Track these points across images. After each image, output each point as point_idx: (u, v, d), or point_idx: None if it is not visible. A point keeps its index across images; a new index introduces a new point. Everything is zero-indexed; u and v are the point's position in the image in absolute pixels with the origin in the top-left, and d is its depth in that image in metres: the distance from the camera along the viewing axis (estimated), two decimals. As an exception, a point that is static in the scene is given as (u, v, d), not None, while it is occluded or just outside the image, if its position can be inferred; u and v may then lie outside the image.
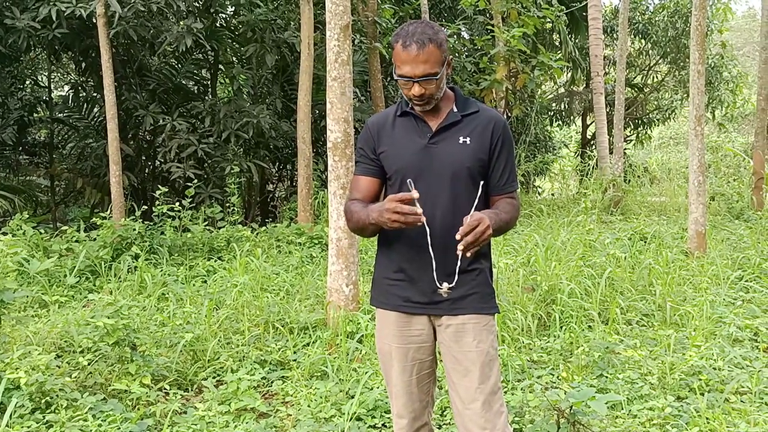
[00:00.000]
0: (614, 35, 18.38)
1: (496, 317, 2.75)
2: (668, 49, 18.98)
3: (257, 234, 8.76)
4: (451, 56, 2.54)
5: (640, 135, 20.76)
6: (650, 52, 20.10)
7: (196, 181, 9.78)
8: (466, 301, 2.60)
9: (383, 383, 4.37)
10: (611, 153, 14.64)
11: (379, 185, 2.71)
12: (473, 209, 2.52)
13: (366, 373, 4.43)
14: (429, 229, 2.51)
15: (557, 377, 4.67)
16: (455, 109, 2.62)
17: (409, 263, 2.60)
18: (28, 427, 3.61)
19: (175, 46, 10.07)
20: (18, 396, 3.72)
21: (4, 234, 7.06)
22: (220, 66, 12.55)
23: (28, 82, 13.97)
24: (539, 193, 17.32)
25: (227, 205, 9.78)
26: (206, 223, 8.88)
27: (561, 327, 5.52)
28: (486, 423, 2.57)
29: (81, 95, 12.28)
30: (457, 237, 2.35)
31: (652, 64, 20.43)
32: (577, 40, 18.03)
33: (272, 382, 4.65)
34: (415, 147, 2.61)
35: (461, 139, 2.59)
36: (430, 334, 2.70)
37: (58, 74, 15.78)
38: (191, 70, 12.41)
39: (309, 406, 4.22)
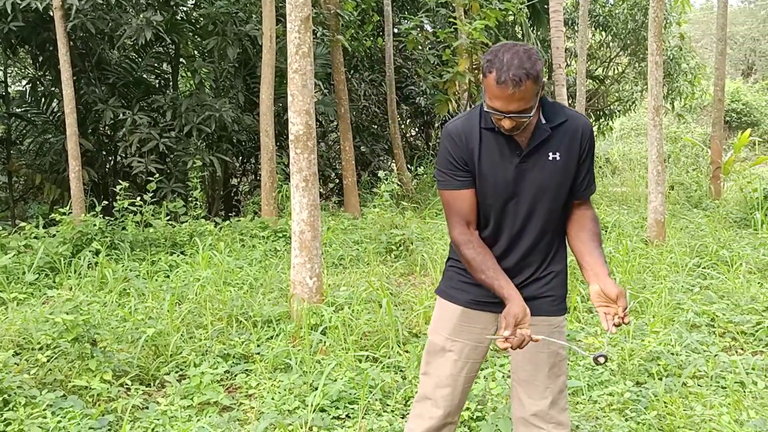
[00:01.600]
0: (575, 28, 18.55)
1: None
2: (628, 41, 19.20)
3: (220, 228, 8.70)
4: (543, 80, 2.36)
5: (601, 126, 20.99)
6: (611, 44, 20.31)
7: (157, 175, 9.67)
8: (540, 302, 2.59)
9: (347, 374, 4.39)
10: (573, 144, 14.78)
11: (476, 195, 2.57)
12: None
13: (329, 365, 4.43)
14: (512, 248, 2.54)
15: (519, 365, 4.72)
16: (543, 120, 2.47)
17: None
18: (-15, 425, 3.56)
19: (135, 39, 9.91)
20: (-26, 394, 3.66)
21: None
22: (182, 59, 12.39)
23: (-17, 77, 13.67)
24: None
25: (190, 199, 9.66)
26: (168, 217, 8.79)
27: (523, 316, 5.56)
28: (551, 419, 2.59)
29: (39, 90, 12.03)
30: (614, 330, 2.37)
31: (612, 56, 20.65)
32: (539, 33, 18.17)
33: (235, 376, 4.63)
34: (505, 169, 2.48)
35: (551, 156, 2.47)
36: (490, 333, 2.65)
37: (15, 68, 15.44)
38: (152, 63, 12.23)
39: (273, 398, 4.21)
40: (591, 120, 20.59)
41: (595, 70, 20.83)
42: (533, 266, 2.58)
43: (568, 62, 19.91)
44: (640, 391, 4.20)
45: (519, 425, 2.67)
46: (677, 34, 18.95)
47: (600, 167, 15.98)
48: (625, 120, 26.50)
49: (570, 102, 16.83)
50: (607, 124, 21.11)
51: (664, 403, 3.94)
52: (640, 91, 20.12)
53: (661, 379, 4.29)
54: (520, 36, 17.50)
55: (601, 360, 2.34)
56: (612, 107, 20.87)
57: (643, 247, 7.91)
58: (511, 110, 2.29)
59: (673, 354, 4.73)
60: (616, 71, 21.18)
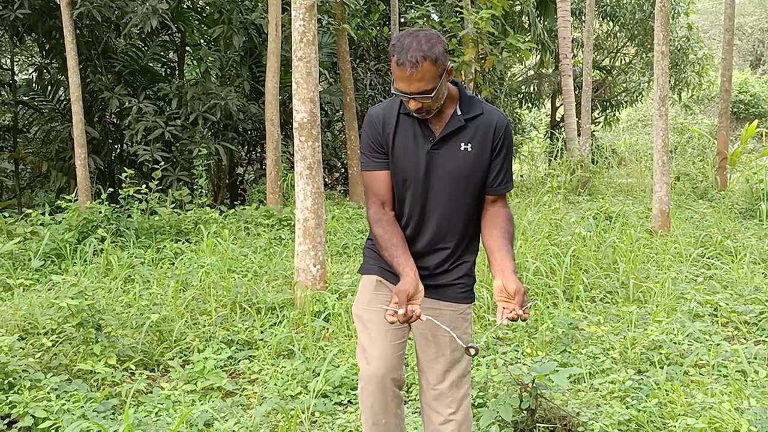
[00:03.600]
0: (582, 17, 18.47)
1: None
2: (636, 32, 19.12)
3: (225, 216, 8.72)
4: (451, 65, 2.48)
5: (608, 117, 20.93)
6: (618, 34, 20.23)
7: (163, 163, 9.69)
8: (449, 290, 2.68)
9: (349, 361, 4.41)
10: (579, 135, 14.76)
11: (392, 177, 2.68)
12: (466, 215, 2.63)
13: (332, 351, 4.45)
14: (422, 230, 2.63)
15: (522, 353, 4.74)
16: (459, 112, 2.58)
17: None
18: (-9, 407, 3.59)
19: (141, 27, 9.92)
20: (-20, 377, 3.69)
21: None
22: (187, 48, 12.40)
23: (-10, 65, 13.71)
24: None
25: (195, 187, 9.68)
26: (174, 205, 8.81)
27: (526, 304, 5.57)
28: (452, 403, 2.68)
29: (45, 77, 12.07)
30: (506, 322, 2.42)
31: (619, 47, 20.56)
32: (545, 23, 18.10)
33: (239, 362, 4.67)
34: (417, 152, 2.59)
35: (462, 146, 2.58)
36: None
37: (22, 56, 15.48)
38: (157, 51, 12.25)
39: (275, 384, 4.25)
40: (598, 110, 20.53)
41: (602, 60, 20.75)
42: (444, 253, 2.66)
43: (575, 53, 19.84)
44: (642, 379, 4.20)
45: (424, 408, 2.77)
46: (685, 25, 18.85)
47: (606, 158, 15.92)
48: (632, 111, 26.42)
49: (577, 93, 16.75)
50: (614, 115, 21.05)
51: (666, 391, 3.95)
52: (647, 81, 20.04)
53: (662, 368, 4.30)
54: (526, 26, 17.44)
55: (472, 351, 2.47)
56: (619, 98, 20.79)
57: (648, 237, 7.90)
58: (413, 91, 2.41)
59: (675, 343, 4.73)
60: (623, 62, 21.09)
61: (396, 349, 2.71)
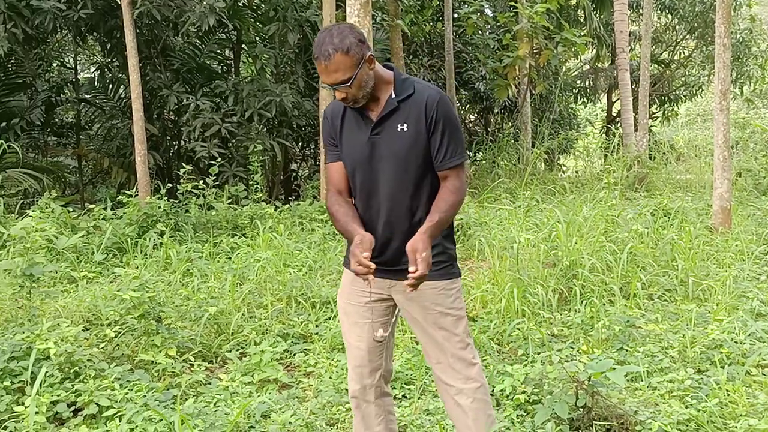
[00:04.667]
0: (640, 10, 18.11)
1: (460, 281, 2.91)
2: (695, 24, 18.67)
3: (280, 212, 8.83)
4: (370, 53, 2.59)
5: (666, 112, 20.50)
6: (677, 27, 19.78)
7: (219, 159, 9.86)
8: None
9: (403, 356, 4.44)
10: (636, 130, 14.49)
11: None
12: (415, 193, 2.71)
13: (398, 353, 4.47)
14: (377, 215, 2.74)
15: (577, 350, 4.69)
16: (393, 95, 2.69)
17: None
18: (58, 395, 3.72)
19: (198, 25, 10.10)
20: (48, 366, 3.82)
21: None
22: (243, 45, 12.58)
23: (55, 64, 14.13)
24: (563, 171, 17.17)
25: (251, 183, 9.83)
26: (230, 201, 8.97)
27: (582, 301, 5.52)
28: (458, 373, 2.81)
29: (107, 76, 12.40)
30: (410, 281, 2.50)
31: (678, 40, 20.11)
32: (602, 16, 17.80)
33: (294, 355, 4.73)
34: (360, 140, 2.72)
35: (399, 127, 2.69)
36: (381, 296, 2.83)
37: (84, 55, 15.92)
38: (214, 49, 12.46)
39: (330, 377, 4.29)
40: (655, 105, 20.12)
41: (660, 54, 20.32)
42: (405, 234, 2.70)
43: (632, 46, 19.48)
44: (702, 378, 4.12)
45: (438, 385, 2.92)
46: (747, 17, 18.32)
47: (663, 154, 15.59)
48: (691, 105, 25.80)
49: (634, 87, 16.43)
50: (672, 109, 20.60)
51: (726, 391, 3.87)
52: (707, 75, 19.55)
53: (723, 367, 4.21)
54: (582, 19, 17.18)
55: (378, 336, 2.68)
56: (677, 92, 20.34)
57: (708, 234, 7.73)
58: (332, 82, 2.57)
59: (736, 342, 4.63)
60: (681, 55, 20.62)
61: (370, 341, 2.86)
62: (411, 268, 2.50)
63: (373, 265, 2.51)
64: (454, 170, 2.71)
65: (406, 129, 2.67)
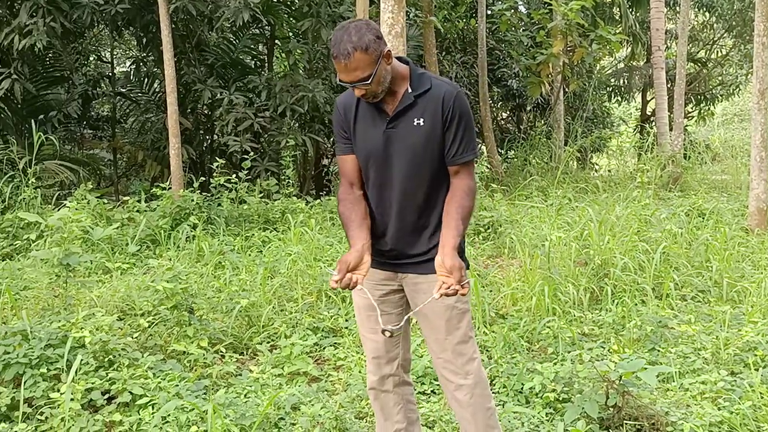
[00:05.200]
0: (676, 8, 17.87)
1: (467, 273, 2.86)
2: (734, 23, 18.39)
3: (311, 206, 8.87)
4: (387, 48, 2.60)
5: (702, 111, 20.20)
6: (714, 25, 19.49)
7: (252, 154, 9.93)
8: (425, 265, 2.79)
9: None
10: (671, 129, 14.31)
11: None
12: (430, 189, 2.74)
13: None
14: (389, 207, 2.77)
15: (608, 350, 4.65)
16: (410, 90, 2.71)
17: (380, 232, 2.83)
18: (93, 383, 3.78)
19: (233, 20, 10.18)
20: (83, 354, 3.89)
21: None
22: (276, 41, 12.64)
23: (92, 58, 14.35)
24: (596, 170, 17.01)
25: (282, 178, 9.89)
26: (262, 195, 9.03)
27: (613, 301, 5.48)
28: (458, 369, 2.83)
29: (142, 70, 12.55)
30: (438, 296, 2.55)
31: (716, 38, 19.82)
32: (638, 14, 17.59)
33: (324, 348, 4.76)
34: (375, 134, 2.74)
35: (416, 121, 2.71)
36: (393, 288, 2.88)
37: (121, 50, 16.13)
38: (248, 44, 12.54)
39: (360, 371, 4.31)
40: (691, 104, 19.83)
41: (697, 52, 20.03)
42: (413, 227, 2.78)
43: (668, 44, 19.22)
44: (735, 380, 4.07)
45: (439, 378, 2.95)
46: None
47: (699, 153, 15.37)
48: (728, 105, 25.41)
49: (669, 86, 16.21)
50: (708, 109, 20.30)
51: (760, 393, 3.81)
52: (746, 74, 19.23)
53: (757, 370, 4.15)
54: (617, 17, 17.00)
55: (387, 334, 2.65)
56: (714, 92, 20.03)
57: (743, 235, 7.61)
58: (351, 80, 2.57)
59: (771, 345, 4.56)
60: (719, 54, 20.31)
61: (395, 340, 2.92)
62: (446, 284, 2.53)
63: (352, 280, 2.60)
64: (465, 166, 2.74)
65: (422, 123, 2.69)
